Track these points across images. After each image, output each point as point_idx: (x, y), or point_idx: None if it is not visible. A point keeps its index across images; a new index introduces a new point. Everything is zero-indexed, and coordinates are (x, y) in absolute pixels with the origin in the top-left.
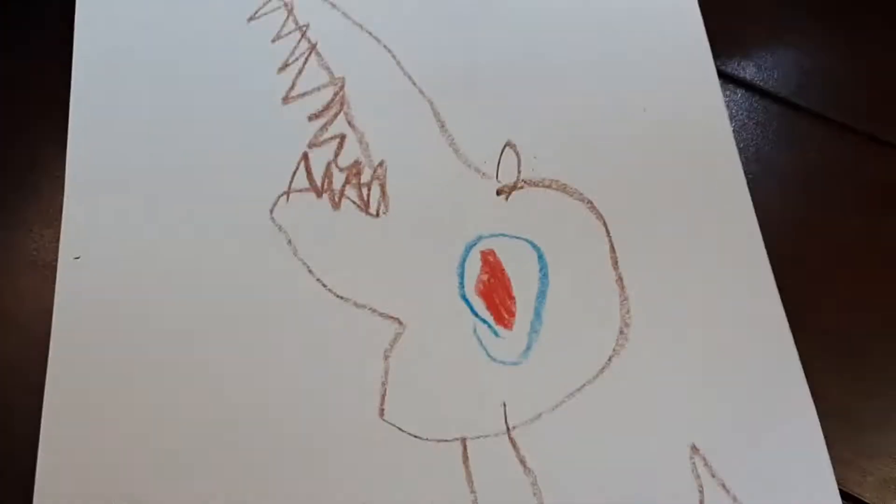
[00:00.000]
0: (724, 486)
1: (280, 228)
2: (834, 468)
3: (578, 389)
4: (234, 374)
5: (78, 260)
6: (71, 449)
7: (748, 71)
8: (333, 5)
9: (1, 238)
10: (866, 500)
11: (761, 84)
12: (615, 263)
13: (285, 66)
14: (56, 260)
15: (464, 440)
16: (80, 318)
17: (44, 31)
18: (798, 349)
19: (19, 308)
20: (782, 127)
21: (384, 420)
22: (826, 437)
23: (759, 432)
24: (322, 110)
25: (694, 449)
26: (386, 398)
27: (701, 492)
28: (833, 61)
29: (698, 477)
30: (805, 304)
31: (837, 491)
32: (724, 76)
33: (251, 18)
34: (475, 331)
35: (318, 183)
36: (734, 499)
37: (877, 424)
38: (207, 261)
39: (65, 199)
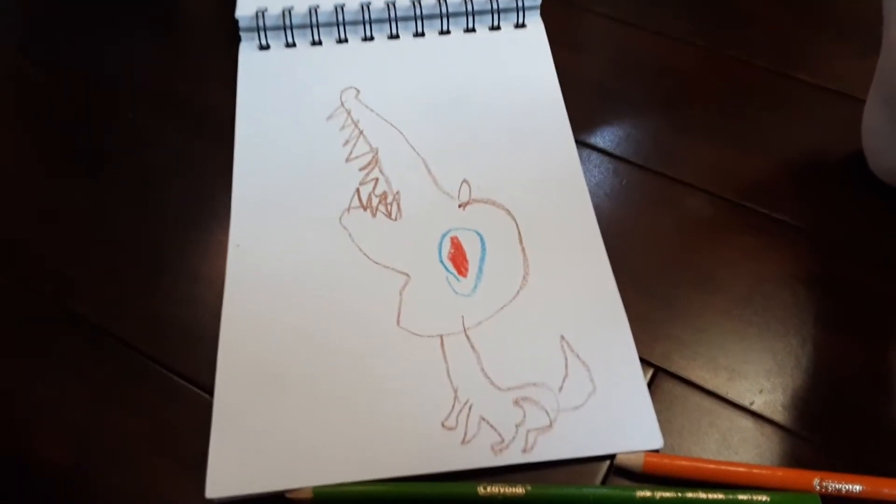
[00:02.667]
0: (578, 357)
1: (345, 228)
2: (636, 346)
3: (501, 308)
4: (325, 304)
5: (239, 248)
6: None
7: (593, 139)
8: (372, 110)
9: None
10: (653, 362)
11: (599, 145)
12: (521, 242)
13: (346, 142)
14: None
15: (441, 336)
16: (242, 283)
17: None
18: (617, 283)
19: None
20: (610, 169)
21: (400, 326)
22: (633, 328)
23: (597, 329)
24: (366, 165)
25: (563, 338)
26: (400, 314)
27: (566, 360)
28: (638, 131)
29: (565, 354)
30: (623, 260)
31: (637, 356)
32: (578, 142)
33: (328, 118)
34: (447, 279)
35: (364, 203)
36: (584, 363)
37: (661, 321)
38: (309, 249)
39: (232, 209)
